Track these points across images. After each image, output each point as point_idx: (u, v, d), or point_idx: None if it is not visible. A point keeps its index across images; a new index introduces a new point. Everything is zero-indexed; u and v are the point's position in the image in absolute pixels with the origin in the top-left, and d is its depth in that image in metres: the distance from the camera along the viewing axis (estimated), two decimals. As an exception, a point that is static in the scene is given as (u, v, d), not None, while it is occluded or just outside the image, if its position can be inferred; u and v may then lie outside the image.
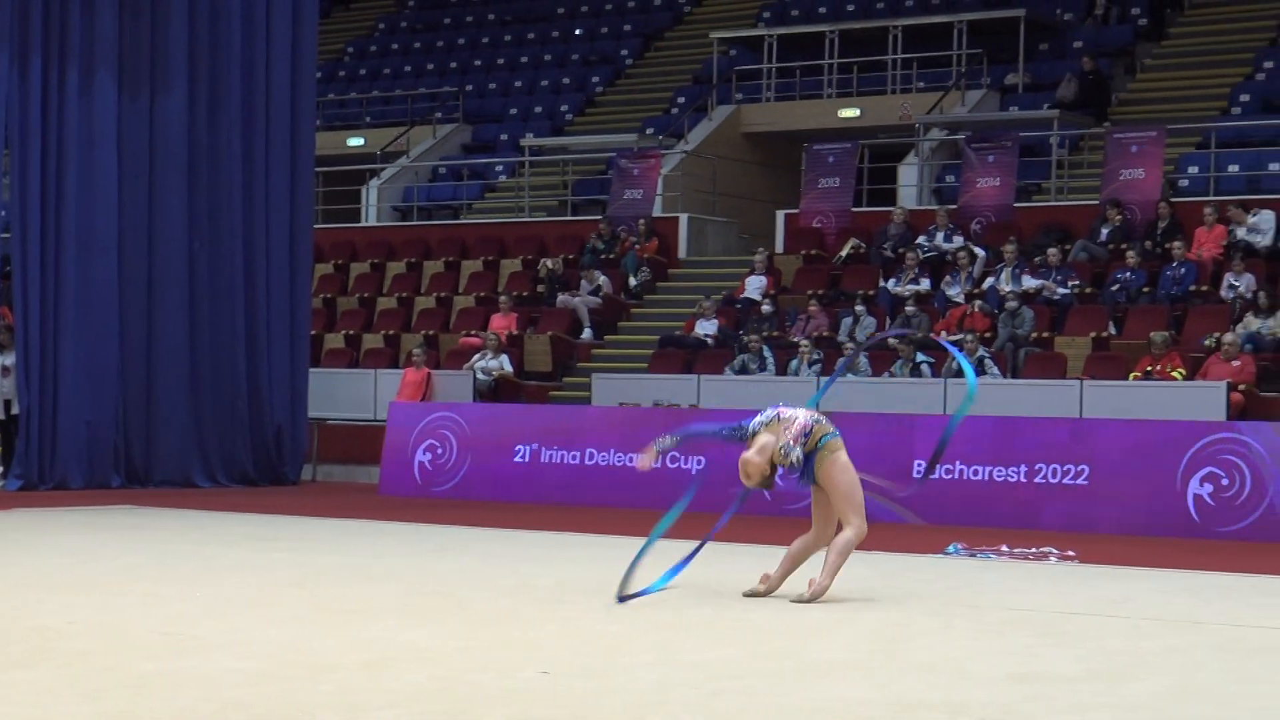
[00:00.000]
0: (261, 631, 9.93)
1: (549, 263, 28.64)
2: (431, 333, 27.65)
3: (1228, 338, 21.39)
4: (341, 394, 25.82)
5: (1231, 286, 23.17)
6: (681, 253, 29.50)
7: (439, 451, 22.75)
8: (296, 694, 7.93)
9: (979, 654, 9.58)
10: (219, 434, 23.70)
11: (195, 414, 23.49)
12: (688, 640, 9.88)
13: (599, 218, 30.00)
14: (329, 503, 21.34)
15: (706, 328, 25.68)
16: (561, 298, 27.68)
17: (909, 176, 29.24)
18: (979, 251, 25.47)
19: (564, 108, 35.90)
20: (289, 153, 24.37)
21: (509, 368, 25.58)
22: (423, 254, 30.85)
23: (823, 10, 35.23)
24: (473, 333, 27.03)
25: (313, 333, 26.29)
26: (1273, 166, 26.30)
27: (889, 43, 31.82)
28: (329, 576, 13.10)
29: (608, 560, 14.90)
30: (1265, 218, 24.38)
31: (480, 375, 25.19)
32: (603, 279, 27.89)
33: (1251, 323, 22.23)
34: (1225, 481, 18.56)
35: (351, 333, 28.45)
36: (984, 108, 30.42)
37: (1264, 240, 24.16)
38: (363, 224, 33.50)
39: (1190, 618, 11.49)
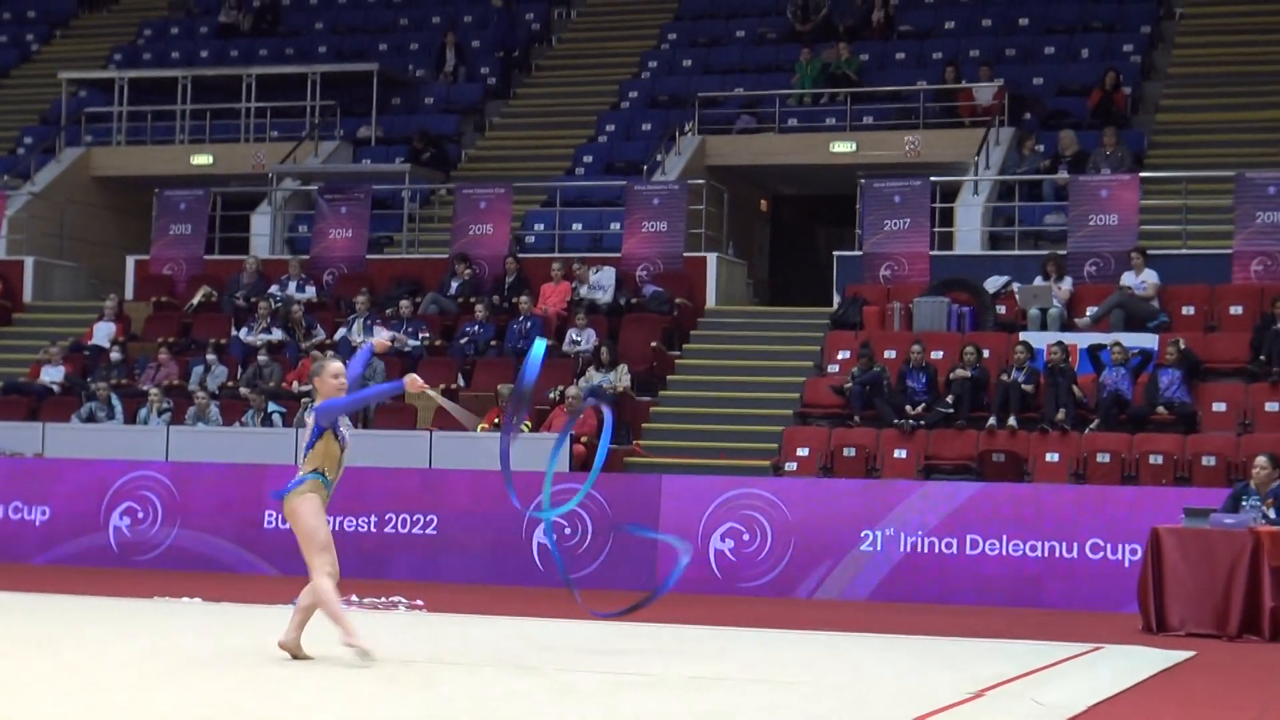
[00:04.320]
0: None
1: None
2: None
3: (571, 390, 22.11)
4: None
5: (574, 341, 23.96)
6: (27, 297, 28.71)
7: None
8: None
9: (319, 706, 9.66)
10: None
11: None
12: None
13: (-65, 260, 28.95)
14: None
15: (53, 374, 25.05)
16: (-103, 342, 26.58)
17: (262, 225, 29.21)
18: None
19: (-98, 143, 34.49)
20: None
21: None
22: None
23: (175, 55, 34.87)
24: None
25: None
26: (614, 226, 27.29)
27: (242, 91, 31.71)
28: None
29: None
30: (606, 274, 25.34)
31: None
32: (-58, 323, 26.92)
33: (593, 376, 23.05)
34: (569, 530, 19.21)
35: None
36: (337, 159, 30.63)
37: (605, 296, 25.08)
38: None
39: (531, 662, 11.85)
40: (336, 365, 11.73)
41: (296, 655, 11.51)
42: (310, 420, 11.66)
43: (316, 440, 11.53)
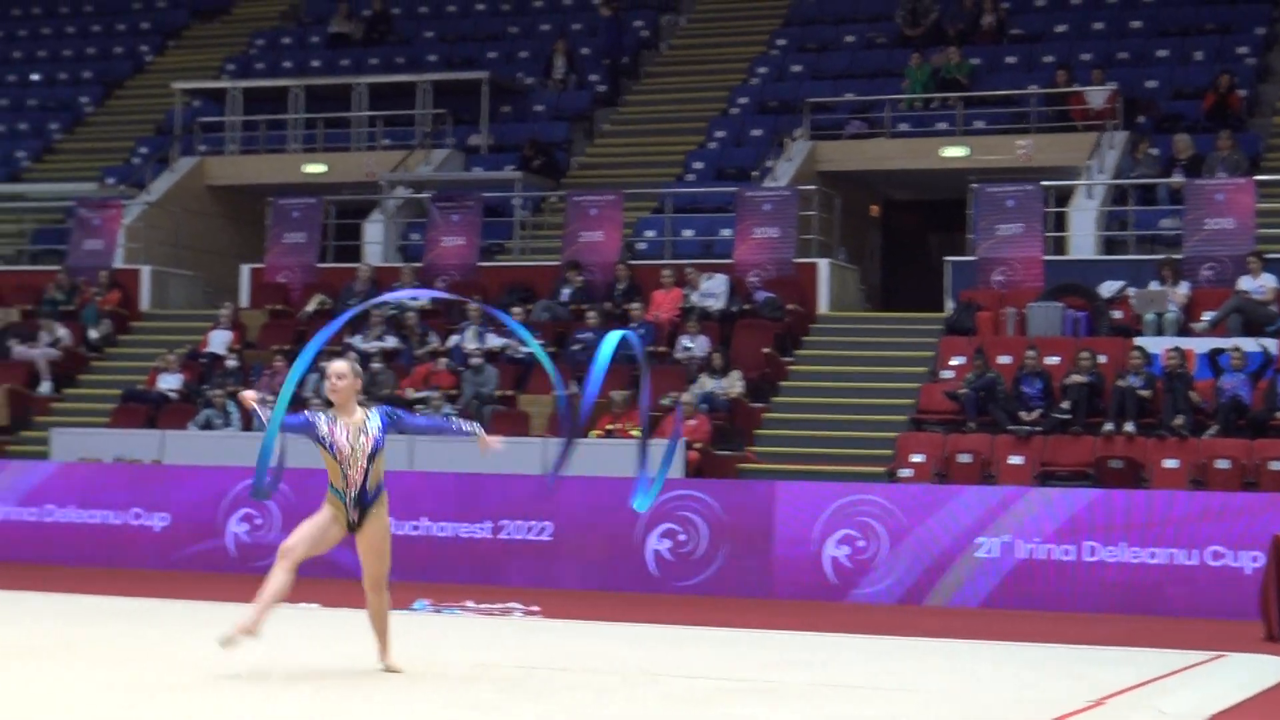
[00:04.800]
0: None
1: (11, 313, 27.84)
2: (-123, 385, 26.54)
3: (684, 397, 22.11)
4: None
5: (686, 348, 23.97)
6: (144, 305, 29.02)
7: (-116, 509, 21.88)
8: None
9: (443, 709, 9.72)
10: None
11: None
12: None
13: (57, 268, 29.28)
14: None
15: (170, 382, 25.31)
16: (19, 349, 26.91)
17: (374, 234, 29.37)
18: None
19: (20, 154, 34.91)
20: None
21: (-39, 422, 24.77)
22: None
23: (287, 64, 35.14)
24: (-80, 385, 26.05)
25: None
26: (725, 232, 27.27)
27: (354, 100, 31.92)
28: None
29: (57, 619, 14.58)
30: (718, 281, 25.32)
31: (-70, 430, 24.32)
32: (62, 331, 27.22)
33: (706, 383, 23.04)
34: (683, 537, 19.23)
35: None
36: (448, 167, 30.76)
37: (717, 303, 25.07)
38: None
39: (648, 669, 11.87)
40: (334, 365, 11.57)
41: (394, 669, 11.40)
42: None
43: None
